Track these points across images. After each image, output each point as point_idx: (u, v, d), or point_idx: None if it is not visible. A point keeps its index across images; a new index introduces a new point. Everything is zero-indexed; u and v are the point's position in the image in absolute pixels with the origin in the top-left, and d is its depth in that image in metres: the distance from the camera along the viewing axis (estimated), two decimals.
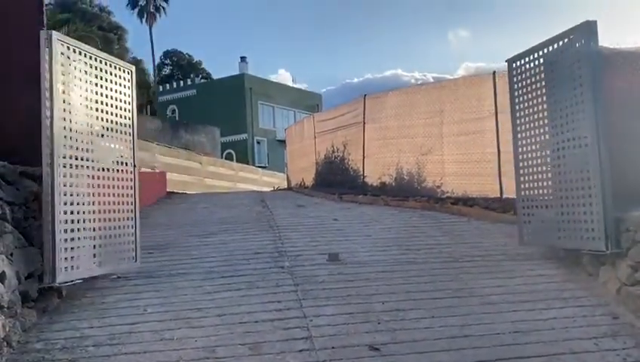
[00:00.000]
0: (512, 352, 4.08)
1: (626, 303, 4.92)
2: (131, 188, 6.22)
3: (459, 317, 4.76)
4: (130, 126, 6.30)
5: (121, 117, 6.15)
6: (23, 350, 4.22)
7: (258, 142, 48.51)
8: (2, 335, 4.07)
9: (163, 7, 50.86)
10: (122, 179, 6.08)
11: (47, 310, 4.99)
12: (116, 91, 6.08)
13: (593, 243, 5.46)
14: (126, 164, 6.19)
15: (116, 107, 6.07)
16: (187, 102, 49.00)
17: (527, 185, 6.61)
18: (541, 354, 4.05)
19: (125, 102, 6.24)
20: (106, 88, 5.91)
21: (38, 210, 5.10)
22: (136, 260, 6.21)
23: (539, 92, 6.37)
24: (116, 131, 6.07)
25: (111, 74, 6.01)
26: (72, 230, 5.19)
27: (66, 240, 5.09)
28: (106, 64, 5.94)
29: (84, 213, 5.38)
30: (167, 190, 15.06)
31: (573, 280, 5.64)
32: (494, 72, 9.81)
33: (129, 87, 6.30)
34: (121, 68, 6.22)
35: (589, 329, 4.47)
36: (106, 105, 5.90)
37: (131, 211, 6.19)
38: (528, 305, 5.01)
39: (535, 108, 6.43)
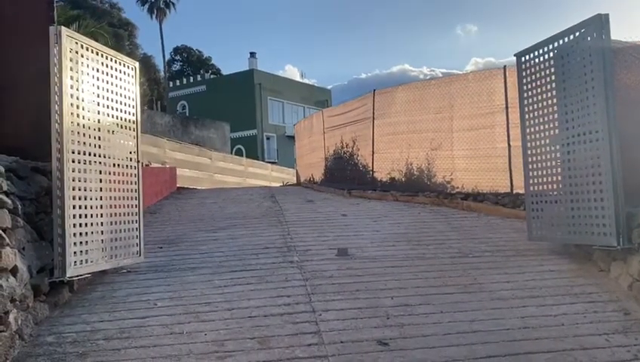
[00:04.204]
0: (522, 348, 4.06)
1: (638, 299, 4.88)
2: (136, 183, 6.28)
3: (468, 312, 4.75)
4: (134, 122, 6.35)
5: (126, 112, 6.21)
6: (34, 343, 4.26)
7: (267, 138, 48.58)
8: (15, 329, 4.12)
9: (173, 3, 50.78)
10: (127, 175, 6.14)
11: (58, 304, 5.05)
12: (121, 87, 6.14)
13: (604, 239, 5.42)
14: (131, 159, 6.24)
15: (121, 103, 6.13)
16: (197, 97, 49.18)
17: (536, 181, 6.57)
18: (551, 349, 4.02)
19: (130, 98, 6.29)
20: (112, 84, 5.97)
21: (49, 204, 5.15)
22: (140, 255, 6.27)
23: (548, 86, 6.32)
24: (122, 127, 6.13)
25: (116, 70, 6.06)
26: (81, 224, 5.25)
27: (75, 234, 5.15)
28: (111, 60, 5.98)
29: (92, 207, 5.44)
30: (178, 185, 15.14)
31: (584, 275, 5.60)
32: (505, 67, 9.73)
33: (133, 83, 6.36)
34: (126, 64, 6.26)
35: (599, 325, 4.43)
36: (112, 100, 5.96)
37: (135, 206, 6.25)
38: (538, 300, 4.99)
39: (544, 103, 6.38)
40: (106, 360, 3.99)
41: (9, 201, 4.38)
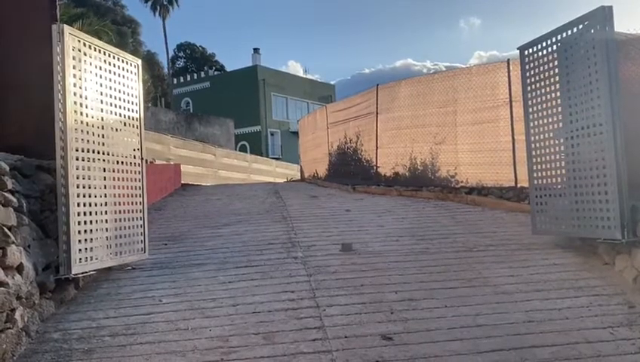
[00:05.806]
0: (526, 342, 4.05)
1: None
2: (140, 180, 6.31)
3: (472, 306, 4.74)
4: (137, 119, 6.37)
5: (129, 110, 6.23)
6: (41, 340, 4.30)
7: (272, 134, 48.59)
8: (21, 326, 4.16)
9: (175, 0, 50.84)
10: (131, 172, 6.16)
11: (64, 300, 5.08)
12: (125, 85, 6.16)
13: (609, 232, 5.40)
14: (135, 156, 6.27)
15: (125, 100, 6.15)
16: (201, 94, 49.23)
17: (540, 174, 6.55)
18: (555, 343, 4.02)
19: (133, 95, 6.31)
20: (115, 82, 5.99)
21: (53, 202, 5.18)
22: (145, 251, 6.30)
23: (552, 80, 6.28)
24: (125, 124, 6.15)
25: (119, 67, 6.08)
26: (86, 222, 5.28)
27: (80, 231, 5.18)
28: (114, 58, 6.00)
29: (97, 205, 5.46)
30: (182, 182, 15.18)
31: (589, 269, 5.59)
32: (508, 60, 9.68)
33: (136, 81, 6.37)
34: (129, 62, 6.28)
35: (604, 319, 4.42)
36: (116, 98, 5.98)
37: (140, 203, 6.27)
38: (542, 294, 4.98)
39: (548, 96, 6.35)
40: (111, 356, 4.01)
41: (14, 199, 4.41)
